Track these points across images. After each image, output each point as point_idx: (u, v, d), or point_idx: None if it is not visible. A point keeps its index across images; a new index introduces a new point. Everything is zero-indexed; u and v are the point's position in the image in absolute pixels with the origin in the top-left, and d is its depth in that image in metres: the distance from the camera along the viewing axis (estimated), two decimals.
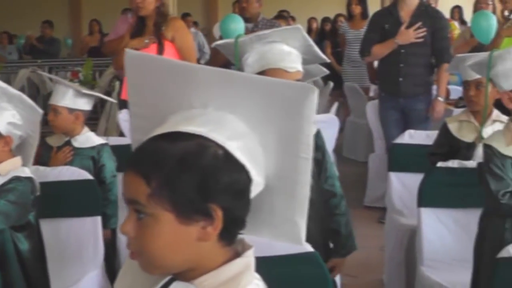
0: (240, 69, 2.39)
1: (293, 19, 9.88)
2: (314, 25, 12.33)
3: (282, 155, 1.12)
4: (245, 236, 1.15)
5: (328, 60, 2.66)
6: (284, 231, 1.17)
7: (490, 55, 2.44)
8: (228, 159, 1.07)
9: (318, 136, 2.45)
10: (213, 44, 3.14)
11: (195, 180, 1.05)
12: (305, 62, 2.38)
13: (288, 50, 2.27)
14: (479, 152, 2.46)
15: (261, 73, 2.26)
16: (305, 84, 1.10)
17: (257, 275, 1.14)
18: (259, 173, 1.11)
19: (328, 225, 2.50)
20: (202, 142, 1.06)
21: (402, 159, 3.71)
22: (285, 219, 1.16)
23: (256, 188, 1.11)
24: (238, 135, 1.10)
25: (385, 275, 3.71)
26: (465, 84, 3.35)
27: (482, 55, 2.69)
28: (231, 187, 1.06)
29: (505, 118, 3.17)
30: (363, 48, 4.97)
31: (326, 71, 2.68)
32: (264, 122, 1.11)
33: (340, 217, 2.52)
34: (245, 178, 1.09)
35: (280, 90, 1.11)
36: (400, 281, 3.53)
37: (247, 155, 1.09)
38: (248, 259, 1.11)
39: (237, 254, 1.11)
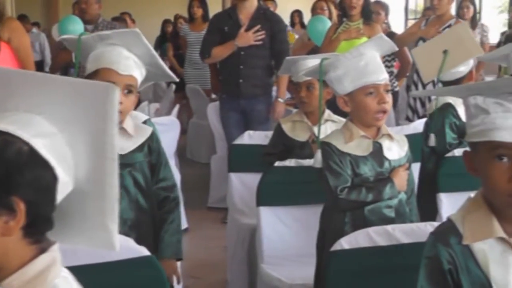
0: (83, 67, 2.38)
1: (134, 21, 9.75)
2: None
3: (90, 156, 1.14)
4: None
5: (176, 79, 2.62)
6: (97, 237, 1.19)
7: (321, 63, 2.53)
8: (33, 155, 1.10)
9: (152, 139, 2.45)
10: (58, 38, 3.06)
11: None
12: (151, 75, 2.40)
13: (127, 55, 2.28)
14: (319, 153, 2.54)
15: (94, 72, 2.26)
16: (106, 84, 1.12)
17: (65, 269, 1.17)
18: (67, 173, 1.13)
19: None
20: (7, 138, 1.09)
21: (241, 159, 3.75)
22: (96, 224, 1.17)
23: (64, 188, 1.13)
24: (44, 134, 1.12)
25: (228, 275, 3.75)
26: (296, 86, 3.44)
27: (314, 62, 2.78)
28: (35, 182, 1.09)
29: (336, 117, 3.31)
30: (203, 50, 4.98)
31: (174, 78, 2.62)
32: (71, 122, 1.14)
33: (165, 218, 2.49)
34: (50, 176, 1.11)
35: (83, 90, 1.14)
36: (243, 280, 3.58)
37: (53, 153, 1.11)
38: (53, 254, 1.14)
39: (43, 251, 1.14)
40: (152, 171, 2.47)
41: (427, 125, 3.55)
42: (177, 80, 2.68)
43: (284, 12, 8.99)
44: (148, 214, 2.44)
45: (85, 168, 1.15)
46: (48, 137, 1.12)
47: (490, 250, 1.50)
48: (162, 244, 2.46)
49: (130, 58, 2.28)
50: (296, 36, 7.59)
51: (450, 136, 3.37)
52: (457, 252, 1.52)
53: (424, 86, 5.07)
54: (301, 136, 3.39)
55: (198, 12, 7.53)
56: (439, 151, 3.38)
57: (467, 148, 1.60)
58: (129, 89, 2.28)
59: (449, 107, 3.38)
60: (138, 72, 2.31)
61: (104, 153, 1.14)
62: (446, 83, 3.52)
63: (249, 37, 4.73)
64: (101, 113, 1.12)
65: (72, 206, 1.16)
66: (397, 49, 2.76)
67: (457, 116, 3.36)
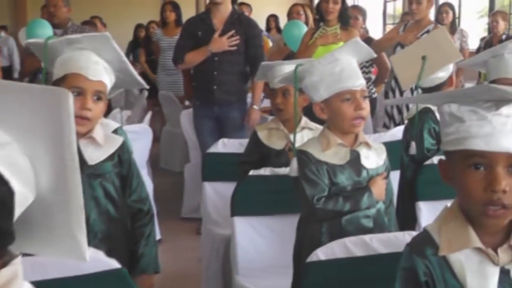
0: (51, 73, 2.36)
1: (104, 25, 9.71)
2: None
3: (50, 165, 1.12)
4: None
5: (147, 86, 2.61)
6: (66, 247, 1.17)
7: (296, 70, 2.53)
8: None
9: (123, 149, 2.43)
10: (24, 43, 3.03)
11: None
12: (120, 82, 2.38)
13: (96, 60, 2.27)
14: (294, 161, 2.54)
15: (62, 78, 2.25)
16: (58, 89, 1.10)
17: (28, 284, 1.14)
18: (26, 184, 1.10)
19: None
20: None
21: (215, 168, 3.74)
22: (64, 234, 1.15)
23: (23, 200, 1.10)
24: None
25: (203, 287, 3.73)
26: (272, 92, 3.45)
27: (290, 68, 2.79)
28: None
29: (313, 125, 3.32)
30: (176, 56, 4.96)
31: (144, 85, 2.61)
32: (27, 130, 1.10)
33: (140, 232, 2.48)
34: (5, 189, 1.07)
35: (36, 96, 1.10)
36: None
37: (7, 165, 1.07)
38: (15, 267, 1.10)
39: (5, 265, 1.10)
40: (124, 183, 2.45)
41: (406, 130, 3.56)
42: (147, 87, 2.67)
43: (259, 16, 9.04)
44: (119, 226, 2.42)
45: (46, 177, 1.12)
46: (1, 147, 1.08)
47: (467, 261, 1.51)
48: (142, 260, 2.45)
49: (99, 63, 2.27)
50: (271, 42, 7.61)
51: (428, 141, 3.38)
52: (434, 263, 1.53)
53: (401, 93, 5.11)
54: (277, 144, 3.40)
55: (171, 16, 7.53)
56: (418, 157, 3.39)
57: (442, 157, 1.62)
58: (98, 96, 2.26)
59: (428, 112, 3.39)
60: (107, 78, 2.30)
61: (64, 161, 1.11)
62: (426, 90, 3.54)
63: (223, 43, 4.73)
64: (56, 120, 1.09)
65: (37, 217, 1.14)
66: (375, 55, 2.76)
67: (437, 122, 3.37)
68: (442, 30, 3.85)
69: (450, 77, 3.53)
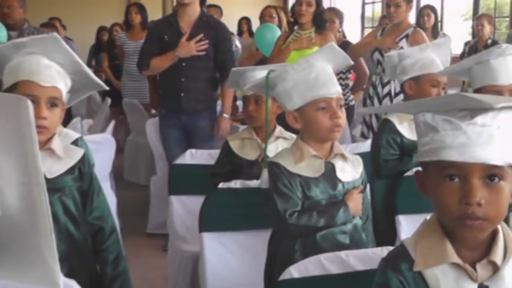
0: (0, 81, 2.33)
1: (64, 27, 9.66)
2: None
3: (15, 181, 1.11)
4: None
5: (106, 88, 2.57)
6: (38, 273, 1.15)
7: (267, 76, 2.53)
8: None
9: (84, 162, 2.42)
10: None
11: None
12: (77, 85, 2.36)
13: (47, 64, 2.24)
14: (265, 172, 2.54)
15: (13, 86, 2.22)
16: (16, 97, 1.08)
17: None
18: None
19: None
20: None
21: (183, 180, 3.74)
22: (34, 259, 1.14)
23: None
24: None
25: None
26: (244, 99, 3.47)
27: (263, 73, 2.78)
28: None
29: (288, 134, 3.34)
30: (141, 61, 4.94)
31: (103, 86, 2.59)
32: None
33: (107, 254, 2.47)
34: None
35: None
36: None
37: None
38: None
39: None
40: (84, 198, 2.43)
41: (372, 142, 3.64)
42: (107, 88, 2.62)
43: (230, 19, 9.06)
44: (80, 245, 2.40)
45: (12, 195, 1.11)
46: None
47: (443, 277, 1.52)
48: (116, 283, 2.45)
49: (51, 67, 2.24)
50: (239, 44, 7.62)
51: (386, 152, 3.43)
52: (408, 279, 1.55)
53: (380, 101, 5.13)
54: (250, 154, 3.41)
55: (136, 18, 7.50)
56: (375, 169, 3.44)
57: (419, 168, 1.63)
58: (53, 102, 2.23)
59: (387, 123, 3.45)
60: (62, 82, 2.27)
61: (28, 177, 1.10)
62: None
63: (191, 47, 4.72)
64: (17, 132, 1.08)
65: (6, 238, 1.12)
66: (351, 63, 2.76)
67: (396, 132, 3.41)
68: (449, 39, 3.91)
69: None
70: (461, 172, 1.46)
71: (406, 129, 3.39)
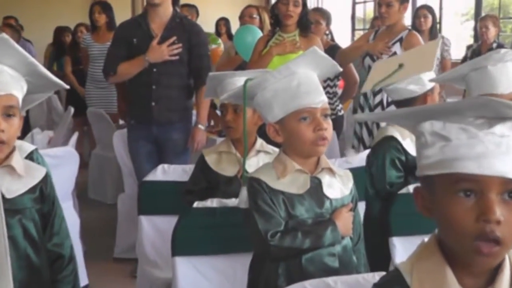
0: None
1: (21, 27, 9.63)
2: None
3: None
4: None
5: (66, 87, 2.56)
6: None
7: (245, 84, 2.52)
8: None
9: (46, 182, 2.41)
10: None
11: None
12: (32, 87, 2.34)
13: None
14: (244, 190, 2.54)
15: None
16: None
17: None
18: None
19: None
20: None
21: (154, 199, 3.73)
22: None
23: None
24: None
25: None
26: (222, 108, 3.46)
27: (243, 80, 2.77)
28: None
29: (270, 148, 3.34)
30: (107, 66, 4.94)
31: (63, 85, 2.57)
32: None
33: (61, 285, 2.47)
34: None
35: None
36: None
37: None
38: None
39: None
40: (44, 222, 2.41)
41: (368, 160, 3.56)
42: (67, 87, 2.59)
43: (207, 20, 9.07)
44: (40, 273, 2.38)
45: None
46: None
47: None
48: None
49: (3, 72, 2.21)
50: (221, 43, 7.62)
51: (393, 175, 3.38)
52: None
53: (371, 111, 5.12)
54: (228, 170, 3.41)
55: (100, 19, 7.49)
56: (379, 191, 3.41)
57: (418, 184, 1.60)
58: (9, 112, 2.21)
59: (391, 141, 3.39)
60: (17, 88, 2.25)
61: None
62: (395, 103, 3.58)
63: (162, 51, 4.72)
64: None
65: None
66: (340, 69, 2.74)
67: (402, 151, 3.38)
68: (436, 43, 3.89)
69: (425, 94, 3.48)
70: (478, 186, 1.42)
71: (410, 145, 3.33)
